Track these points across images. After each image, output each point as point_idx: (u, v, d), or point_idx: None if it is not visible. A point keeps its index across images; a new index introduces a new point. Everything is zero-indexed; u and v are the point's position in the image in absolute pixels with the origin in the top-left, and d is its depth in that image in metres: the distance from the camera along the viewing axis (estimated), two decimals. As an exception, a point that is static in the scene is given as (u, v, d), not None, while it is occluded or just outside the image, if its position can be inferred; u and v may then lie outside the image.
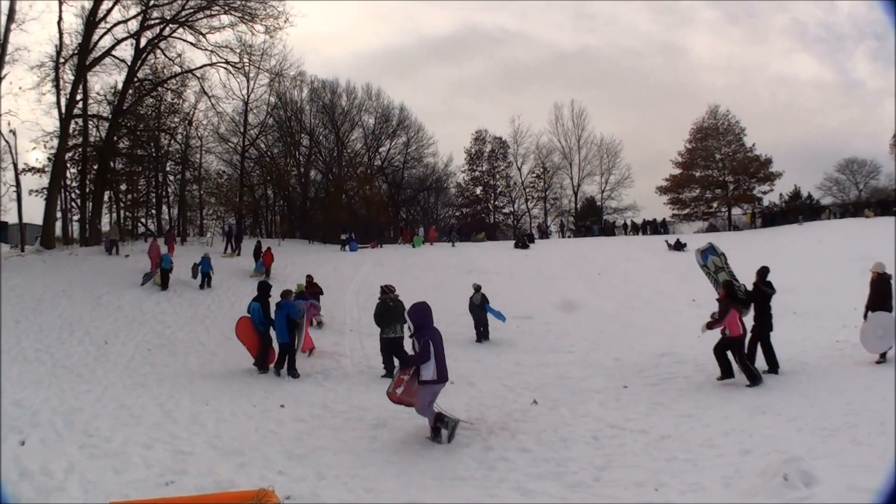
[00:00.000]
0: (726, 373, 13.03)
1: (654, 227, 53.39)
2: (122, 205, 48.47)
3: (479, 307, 20.86)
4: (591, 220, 57.46)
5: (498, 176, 62.96)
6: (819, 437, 8.87)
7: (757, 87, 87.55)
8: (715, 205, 59.96)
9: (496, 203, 63.31)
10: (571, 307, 24.80)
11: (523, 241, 43.14)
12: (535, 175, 62.50)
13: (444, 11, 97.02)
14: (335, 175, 56.95)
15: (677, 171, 60.85)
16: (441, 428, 9.95)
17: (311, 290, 22.13)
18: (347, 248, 42.20)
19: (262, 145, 54.26)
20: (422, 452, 9.55)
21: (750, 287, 14.60)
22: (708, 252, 15.72)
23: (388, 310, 15.29)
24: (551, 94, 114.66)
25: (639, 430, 10.19)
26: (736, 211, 59.01)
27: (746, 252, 35.14)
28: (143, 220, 50.05)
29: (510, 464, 8.93)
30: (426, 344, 9.83)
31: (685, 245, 38.56)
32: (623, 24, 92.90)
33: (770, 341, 13.87)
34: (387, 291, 15.64)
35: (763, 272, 14.75)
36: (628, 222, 56.77)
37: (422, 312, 10.18)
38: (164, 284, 26.36)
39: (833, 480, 6.72)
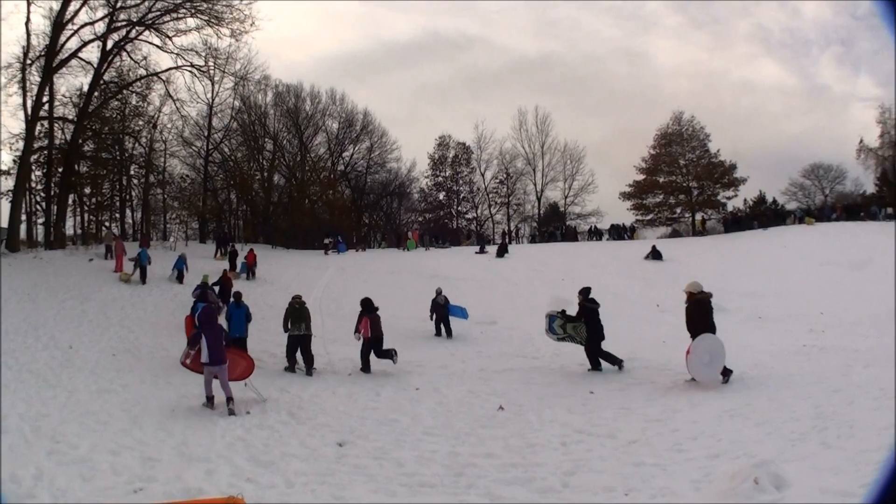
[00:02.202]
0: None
1: (619, 233, 53.43)
2: (86, 208, 47.64)
3: (443, 307, 22.27)
4: (553, 226, 57.56)
5: (461, 181, 62.85)
6: (788, 440, 8.82)
7: (721, 93, 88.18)
8: (679, 210, 59.83)
9: (459, 208, 63.30)
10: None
11: (504, 248, 42.29)
12: (498, 181, 62.46)
13: (406, 16, 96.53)
14: (298, 180, 56.45)
15: (641, 177, 60.47)
16: (210, 401, 12.57)
17: (224, 287, 24.09)
18: (336, 251, 43.47)
19: (226, 149, 53.60)
20: (390, 459, 9.35)
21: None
22: (551, 323, 16.73)
23: (295, 312, 16.98)
24: (514, 100, 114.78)
25: (606, 434, 10.09)
26: (700, 216, 58.68)
27: (711, 257, 35.56)
28: (106, 223, 49.14)
29: (478, 469, 8.77)
30: (197, 335, 12.81)
31: (661, 254, 38.39)
32: (586, 30, 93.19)
33: (601, 347, 15.81)
34: (295, 298, 17.52)
35: (585, 291, 16.57)
36: (595, 227, 56.82)
37: (205, 315, 13.17)
38: (143, 279, 28.04)
39: (804, 483, 6.63)
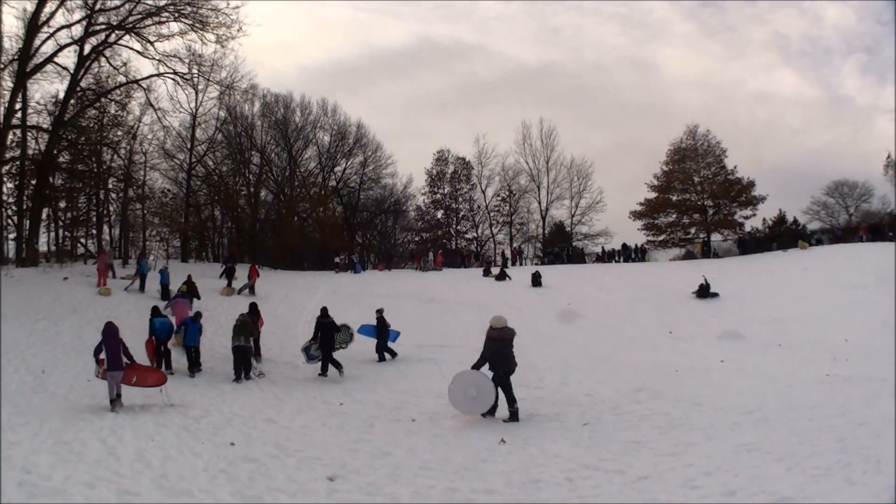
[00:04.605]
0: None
1: (628, 254, 53.30)
2: (60, 223, 47.46)
3: (386, 329, 23.30)
4: (559, 247, 57.48)
5: (461, 199, 63.07)
6: (810, 476, 8.78)
7: (735, 105, 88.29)
8: (693, 231, 59.28)
9: (458, 227, 63.36)
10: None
11: (503, 273, 41.46)
12: (500, 198, 62.68)
13: (398, 23, 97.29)
14: (287, 196, 56.51)
15: (652, 195, 60.11)
16: (116, 403, 15.06)
17: (190, 289, 27.74)
18: (351, 271, 45.01)
19: (210, 163, 53.64)
20: (384, 494, 9.28)
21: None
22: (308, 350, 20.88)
23: (238, 327, 19.96)
24: (515, 112, 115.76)
25: (615, 470, 10.01)
26: (716, 237, 58.46)
27: (728, 281, 35.47)
28: (82, 240, 49.04)
29: (480, 508, 8.73)
30: (99, 346, 15.75)
31: (709, 288, 34.56)
32: (590, 38, 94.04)
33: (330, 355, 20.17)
34: (242, 315, 20.96)
35: (323, 310, 21.23)
36: (604, 248, 56.84)
37: (107, 329, 15.92)
38: (142, 287, 30.56)
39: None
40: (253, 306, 23.17)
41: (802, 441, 10.63)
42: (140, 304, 27.18)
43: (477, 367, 13.89)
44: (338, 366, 20.07)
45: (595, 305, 32.53)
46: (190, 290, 27.72)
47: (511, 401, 13.89)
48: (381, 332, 22.94)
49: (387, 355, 22.65)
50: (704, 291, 34.40)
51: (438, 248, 57.26)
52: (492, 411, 13.82)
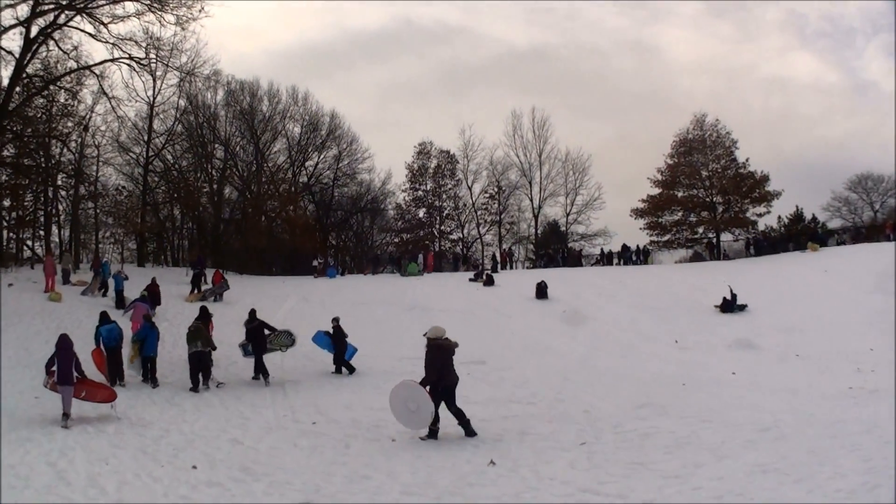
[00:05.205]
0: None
1: (629, 256, 53.26)
2: (5, 223, 46.92)
3: (343, 339, 23.25)
4: (553, 248, 57.46)
5: (445, 196, 63.17)
6: (833, 500, 8.77)
7: (746, 92, 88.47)
8: (700, 230, 59.36)
9: (442, 228, 63.35)
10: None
11: (490, 278, 41.09)
12: (488, 195, 62.82)
13: (374, 3, 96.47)
14: (254, 193, 56.47)
15: (656, 191, 60.13)
16: (66, 417, 15.33)
17: (152, 293, 29.00)
18: (325, 274, 45.40)
19: (170, 157, 53.69)
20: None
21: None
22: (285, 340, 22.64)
23: (192, 332, 20.80)
24: (506, 101, 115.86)
25: (616, 494, 10.01)
26: (727, 237, 58.62)
27: (739, 285, 35.51)
28: (29, 242, 48.62)
29: (466, 536, 8.72)
30: (52, 359, 16.12)
31: (735, 299, 33.31)
32: (586, 19, 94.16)
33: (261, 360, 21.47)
34: (196, 321, 21.79)
35: (252, 313, 22.81)
36: (602, 250, 56.98)
37: (61, 341, 16.36)
38: (105, 291, 31.87)
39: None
40: (203, 310, 23.37)
41: (823, 461, 10.58)
42: (95, 312, 26.97)
43: (425, 383, 13.95)
44: (264, 373, 21.31)
45: (593, 312, 32.53)
46: (151, 295, 28.29)
47: (459, 415, 14.03)
48: (339, 343, 22.96)
49: (344, 370, 22.70)
50: (730, 305, 33.08)
51: (421, 251, 57.15)
52: (433, 434, 13.90)
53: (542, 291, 36.21)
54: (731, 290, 33.55)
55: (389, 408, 14.22)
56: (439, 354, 14.08)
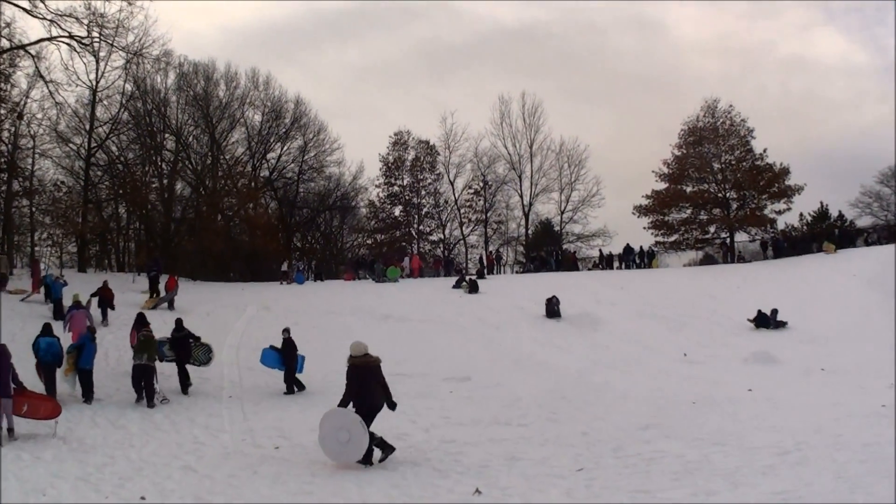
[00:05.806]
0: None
1: (631, 259, 53.47)
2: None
3: (294, 353, 22.89)
4: (546, 250, 57.43)
5: (424, 192, 63.43)
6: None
7: (763, 75, 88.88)
8: (712, 229, 59.58)
9: (421, 227, 63.24)
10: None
11: (474, 284, 40.66)
12: (472, 191, 62.99)
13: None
14: (209, 189, 56.45)
15: (662, 186, 60.23)
16: (11, 430, 15.71)
17: (105, 298, 29.52)
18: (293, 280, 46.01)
19: (114, 148, 53.62)
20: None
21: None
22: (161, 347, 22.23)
23: (142, 343, 20.76)
24: (493, 85, 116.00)
25: (619, 527, 9.92)
26: (742, 237, 58.74)
27: (755, 291, 35.49)
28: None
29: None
30: None
31: (775, 314, 32.73)
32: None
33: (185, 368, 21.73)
34: (142, 331, 21.73)
35: (178, 321, 23.28)
36: (602, 252, 57.04)
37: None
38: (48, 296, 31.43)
39: None
40: (140, 317, 24.06)
41: (854, 489, 10.49)
42: (34, 320, 26.79)
43: (343, 405, 14.05)
44: (185, 384, 21.79)
45: (591, 322, 32.50)
46: (103, 300, 28.91)
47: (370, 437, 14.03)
48: (289, 358, 22.66)
49: (295, 387, 22.50)
50: (766, 320, 32.36)
51: (396, 253, 56.85)
52: (367, 458, 13.88)
53: (552, 308, 34.13)
54: (774, 311, 32.73)
55: (322, 449, 14.06)
56: (356, 374, 14.11)
